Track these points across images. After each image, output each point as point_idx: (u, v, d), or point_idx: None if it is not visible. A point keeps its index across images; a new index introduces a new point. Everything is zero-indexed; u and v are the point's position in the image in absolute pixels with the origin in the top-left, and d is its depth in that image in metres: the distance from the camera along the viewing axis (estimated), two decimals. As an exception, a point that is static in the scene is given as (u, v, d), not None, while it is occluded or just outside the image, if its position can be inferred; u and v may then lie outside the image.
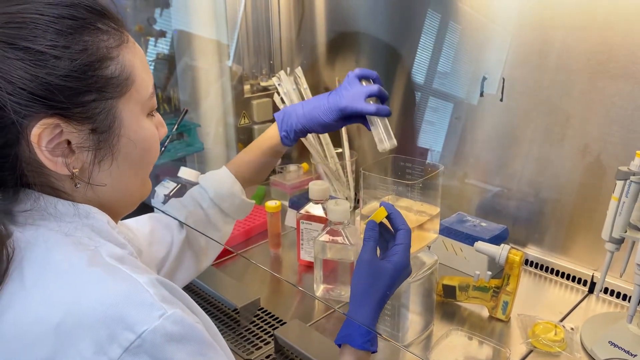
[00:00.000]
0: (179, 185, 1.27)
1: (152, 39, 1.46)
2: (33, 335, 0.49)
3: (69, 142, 0.54)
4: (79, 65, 0.52)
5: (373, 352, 0.73)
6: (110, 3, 0.58)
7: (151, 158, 0.62)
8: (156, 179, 1.41)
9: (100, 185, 0.58)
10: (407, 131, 1.36)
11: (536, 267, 1.14)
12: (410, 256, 0.76)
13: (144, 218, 0.89)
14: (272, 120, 1.58)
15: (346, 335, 0.73)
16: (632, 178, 0.81)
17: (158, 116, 0.64)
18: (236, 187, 0.91)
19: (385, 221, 0.79)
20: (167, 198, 1.25)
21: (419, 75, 1.30)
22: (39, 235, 0.54)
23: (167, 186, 1.29)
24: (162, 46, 1.47)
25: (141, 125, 0.59)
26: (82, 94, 0.53)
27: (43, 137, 0.52)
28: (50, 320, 0.48)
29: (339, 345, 0.74)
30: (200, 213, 0.90)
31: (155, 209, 1.35)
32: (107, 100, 0.55)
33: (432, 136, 1.32)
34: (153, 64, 1.47)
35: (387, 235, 0.79)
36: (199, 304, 1.05)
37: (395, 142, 0.91)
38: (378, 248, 0.77)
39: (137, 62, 0.58)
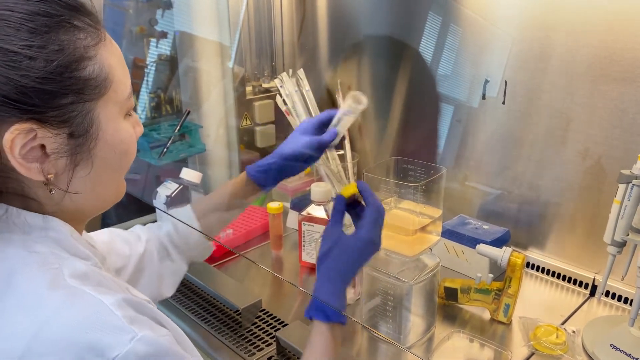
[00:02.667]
0: (181, 186, 1.27)
1: (153, 40, 1.46)
2: None
3: (43, 146, 0.51)
4: (55, 67, 0.49)
5: (343, 324, 0.72)
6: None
7: (129, 160, 0.60)
8: (157, 180, 1.42)
9: (76, 193, 0.55)
10: (407, 133, 1.36)
11: (537, 269, 1.14)
12: (380, 232, 0.75)
13: (104, 231, 0.85)
14: (274, 122, 1.60)
15: (313, 308, 0.71)
16: (634, 181, 0.82)
17: (135, 115, 0.62)
18: (193, 224, 0.87)
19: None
20: (168, 199, 1.26)
21: (419, 77, 1.30)
22: (1, 250, 0.53)
23: (169, 187, 1.29)
24: (164, 47, 1.48)
25: (119, 127, 0.57)
26: (59, 97, 0.50)
27: (16, 142, 0.49)
28: (14, 351, 0.47)
29: (310, 319, 0.72)
30: (158, 242, 0.87)
31: (157, 210, 1.35)
32: (84, 103, 0.52)
33: (432, 138, 1.32)
34: (154, 65, 1.48)
35: (361, 212, 0.78)
36: (201, 306, 1.06)
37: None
38: (353, 225, 0.77)
39: (115, 61, 0.55)
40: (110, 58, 0.54)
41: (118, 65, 0.56)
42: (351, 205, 0.79)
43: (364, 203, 0.78)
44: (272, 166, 0.88)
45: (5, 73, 0.48)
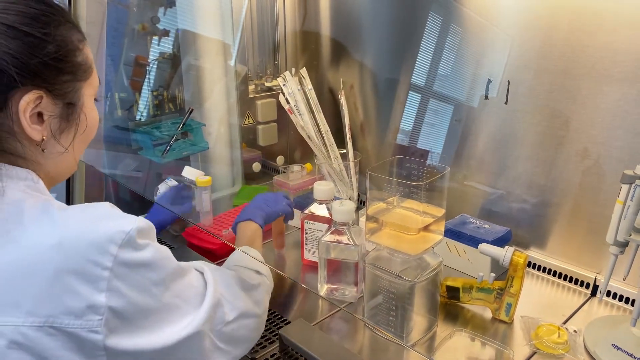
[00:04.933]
0: (180, 184, 1.28)
1: (155, 38, 1.47)
2: (36, 257, 0.59)
3: (40, 114, 0.65)
4: (63, 51, 0.65)
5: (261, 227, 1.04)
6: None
7: (93, 134, 0.75)
8: (159, 178, 1.42)
9: (62, 151, 0.69)
10: (408, 132, 1.37)
11: (539, 269, 1.15)
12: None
13: None
14: (276, 120, 1.60)
15: (237, 219, 1.05)
16: (637, 182, 0.82)
17: None
18: None
19: None
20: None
21: (420, 77, 1.31)
22: (5, 195, 0.64)
23: (169, 184, 1.30)
24: (166, 45, 1.48)
25: (93, 107, 0.73)
26: (63, 74, 0.66)
27: (29, 106, 0.63)
28: (48, 243, 0.59)
29: (234, 231, 1.04)
30: None
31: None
32: (77, 82, 0.68)
33: (432, 138, 1.33)
34: (156, 63, 1.48)
35: None
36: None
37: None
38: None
39: (92, 57, 0.72)
40: (89, 53, 0.71)
41: (93, 61, 0.72)
42: None
43: None
44: None
45: (31, 51, 0.63)
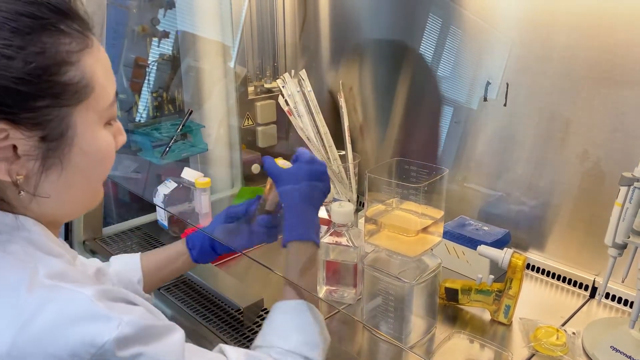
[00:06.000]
0: (180, 185, 1.28)
1: (155, 40, 1.47)
2: None
3: (15, 147, 0.50)
4: (33, 68, 0.49)
5: (317, 244, 0.80)
6: (79, 4, 0.54)
7: (105, 169, 0.59)
8: (159, 179, 1.42)
9: (44, 196, 0.54)
10: (408, 134, 1.37)
11: (537, 271, 1.15)
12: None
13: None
14: (275, 122, 1.60)
15: (291, 234, 0.78)
16: (635, 184, 0.82)
17: (118, 124, 0.61)
18: (136, 275, 0.87)
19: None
20: (166, 198, 1.27)
21: (420, 78, 1.31)
22: None
23: (168, 186, 1.30)
24: (166, 47, 1.48)
25: (96, 136, 0.56)
26: (34, 99, 0.49)
27: None
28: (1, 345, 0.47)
29: (284, 246, 0.79)
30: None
31: (157, 207, 1.36)
32: (62, 108, 0.51)
33: (432, 140, 1.33)
34: (156, 64, 1.48)
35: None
36: (203, 305, 1.07)
37: None
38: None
39: (100, 68, 0.55)
40: (94, 65, 0.54)
41: (102, 73, 0.55)
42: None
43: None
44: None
45: None
